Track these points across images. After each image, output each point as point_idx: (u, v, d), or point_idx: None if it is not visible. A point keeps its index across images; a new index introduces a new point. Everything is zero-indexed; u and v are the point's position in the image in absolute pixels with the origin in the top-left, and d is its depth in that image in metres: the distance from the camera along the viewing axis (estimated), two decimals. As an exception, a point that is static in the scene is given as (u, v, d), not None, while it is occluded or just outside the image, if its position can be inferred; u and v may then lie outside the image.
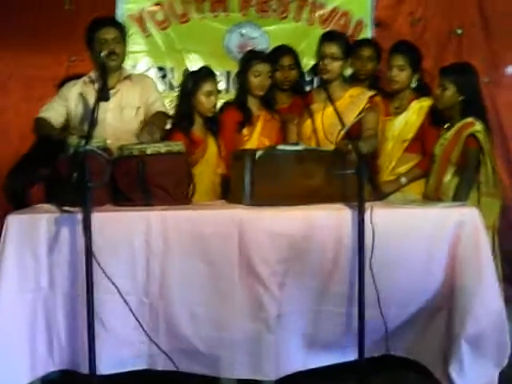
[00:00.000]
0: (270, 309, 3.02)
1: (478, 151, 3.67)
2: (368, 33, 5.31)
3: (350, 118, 3.64)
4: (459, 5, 5.29)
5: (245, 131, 4.09)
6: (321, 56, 3.86)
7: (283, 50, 4.49)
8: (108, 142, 3.36)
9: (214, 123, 3.96)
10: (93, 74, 3.95)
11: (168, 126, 3.90)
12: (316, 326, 3.10)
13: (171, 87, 5.18)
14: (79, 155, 2.79)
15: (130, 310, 2.93)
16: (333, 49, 3.82)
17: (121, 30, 3.96)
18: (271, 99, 4.21)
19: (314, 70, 3.96)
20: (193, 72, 4.09)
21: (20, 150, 4.22)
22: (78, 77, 4.08)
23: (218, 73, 5.01)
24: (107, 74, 3.52)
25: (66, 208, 2.94)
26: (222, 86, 5.18)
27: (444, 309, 3.14)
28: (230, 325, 3.01)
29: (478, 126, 3.67)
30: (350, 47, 4.01)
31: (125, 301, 2.91)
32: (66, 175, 2.86)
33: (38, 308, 2.96)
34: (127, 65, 4.78)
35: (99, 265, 2.80)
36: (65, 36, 4.72)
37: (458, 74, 3.78)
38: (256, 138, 4.08)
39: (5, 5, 4.88)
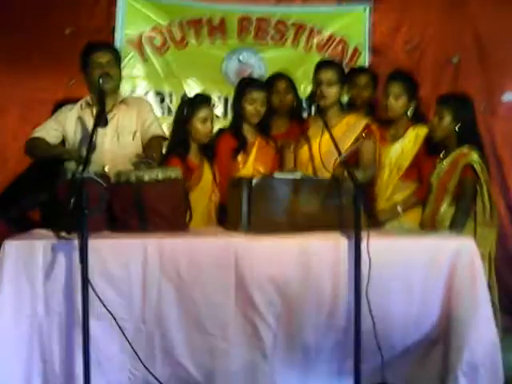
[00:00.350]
0: (266, 338, 3.02)
1: (474, 181, 3.68)
2: (364, 60, 5.35)
3: (347, 146, 3.67)
4: (455, 33, 5.34)
5: (240, 158, 4.10)
6: (317, 83, 3.90)
7: (279, 76, 4.53)
8: (106, 168, 3.36)
9: (209, 150, 3.98)
10: (89, 98, 3.97)
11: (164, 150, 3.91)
12: (312, 355, 3.08)
13: (169, 112, 5.19)
14: (77, 181, 2.79)
15: (126, 337, 2.91)
16: (329, 75, 3.87)
17: (115, 53, 3.99)
18: (267, 126, 4.23)
19: (312, 96, 3.98)
20: (188, 99, 4.12)
21: (17, 173, 4.22)
22: (72, 101, 4.09)
23: (215, 98, 5.12)
24: (104, 98, 3.52)
25: (63, 234, 2.93)
26: (219, 111, 5.22)
27: (441, 340, 3.12)
28: (227, 353, 3.00)
29: (475, 156, 3.70)
30: (346, 74, 4.05)
31: (120, 328, 2.89)
32: (64, 201, 2.85)
33: (33, 335, 2.93)
34: (126, 89, 4.87)
35: (95, 292, 2.79)
36: (64, 59, 4.74)
37: (455, 103, 3.81)
38: (251, 165, 4.10)
39: (4, 27, 4.92)
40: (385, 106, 4.05)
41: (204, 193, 3.88)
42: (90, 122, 3.73)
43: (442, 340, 3.13)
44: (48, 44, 4.97)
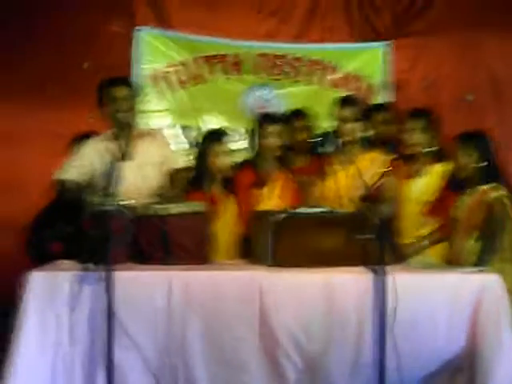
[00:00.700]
0: (289, 375, 2.99)
1: (504, 216, 3.68)
2: (381, 97, 5.39)
3: (370, 182, 3.67)
4: (470, 70, 5.38)
5: (260, 191, 4.11)
6: (340, 119, 3.93)
7: (297, 113, 4.58)
8: (132, 200, 3.37)
9: (230, 183, 4.01)
10: (109, 132, 3.99)
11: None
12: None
13: (191, 145, 5.23)
14: (103, 213, 2.80)
15: (150, 369, 2.90)
16: (351, 111, 3.90)
17: (131, 87, 4.04)
18: (287, 160, 4.25)
19: (335, 132, 4.01)
20: (207, 132, 4.19)
21: (39, 206, 4.24)
22: (91, 135, 4.14)
23: (242, 131, 5.13)
24: (128, 133, 3.54)
25: (89, 266, 2.94)
26: (243, 144, 5.22)
27: (465, 377, 3.09)
28: (250, 388, 2.98)
29: (503, 191, 3.70)
30: (368, 110, 4.07)
31: (144, 360, 2.88)
32: (90, 233, 2.86)
33: (57, 366, 2.93)
34: (144, 123, 4.90)
35: (120, 324, 2.79)
36: (84, 94, 4.78)
37: (479, 141, 3.83)
38: (272, 199, 4.10)
39: (24, 60, 4.97)
40: (406, 142, 4.07)
41: (228, 225, 3.88)
42: (113, 156, 3.75)
43: (466, 376, 3.08)
44: (67, 79, 5.04)
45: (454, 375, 3.13)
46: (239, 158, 4.20)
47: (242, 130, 5.33)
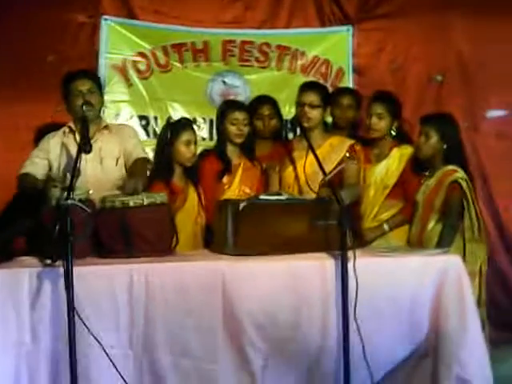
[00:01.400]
0: (255, 362, 2.99)
1: (461, 198, 3.71)
2: (348, 80, 5.38)
3: (331, 167, 3.68)
4: (438, 52, 5.38)
5: (225, 179, 4.11)
6: (301, 105, 3.92)
7: (263, 100, 4.56)
8: (90, 192, 3.35)
9: (193, 172, 3.98)
10: (72, 125, 3.97)
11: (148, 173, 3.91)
12: (304, 379, 3.06)
13: (154, 135, 5.16)
14: (62, 208, 2.78)
15: (113, 364, 2.87)
16: (312, 97, 3.89)
17: (96, 80, 4.01)
18: (251, 147, 4.24)
19: (295, 118, 4.01)
20: (171, 122, 4.16)
21: (2, 200, 4.21)
22: (55, 128, 4.11)
23: (200, 121, 5.13)
24: (88, 125, 3.51)
25: (48, 262, 2.91)
26: (205, 134, 5.25)
27: (430, 358, 3.11)
28: (215, 378, 2.97)
29: (461, 173, 3.73)
30: (329, 95, 4.07)
31: (107, 355, 2.86)
32: (49, 228, 2.84)
33: (21, 366, 2.90)
34: (110, 113, 4.88)
35: (81, 319, 2.77)
36: (49, 86, 4.73)
37: (442, 123, 3.86)
38: (236, 187, 4.11)
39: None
40: (368, 126, 4.08)
41: (190, 215, 3.87)
42: (73, 149, 3.74)
43: (431, 358, 3.11)
44: (32, 71, 4.98)
45: (419, 360, 3.14)
46: (199, 147, 4.14)
47: (205, 119, 5.31)
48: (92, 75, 4.11)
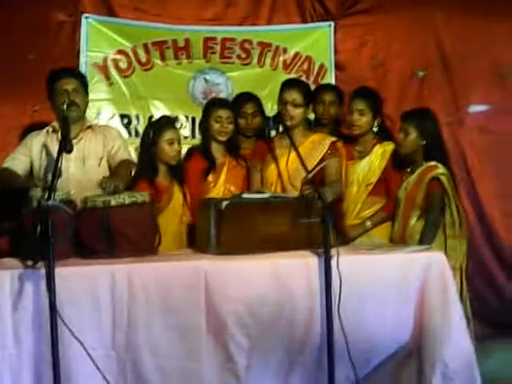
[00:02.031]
0: (239, 360, 2.99)
1: (442, 194, 3.72)
2: (331, 77, 5.38)
3: (313, 164, 3.67)
4: (420, 47, 5.39)
5: (210, 178, 4.10)
6: (282, 102, 3.91)
7: (246, 97, 4.52)
8: (71, 192, 3.33)
9: (178, 171, 3.96)
10: (56, 124, 3.94)
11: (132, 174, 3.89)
12: (286, 376, 3.06)
13: (137, 134, 5.12)
14: (43, 209, 2.76)
15: (96, 365, 2.85)
16: (294, 95, 3.87)
17: (81, 79, 3.97)
18: (236, 145, 4.23)
19: (277, 116, 3.99)
20: (154, 121, 4.14)
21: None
22: (41, 126, 4.06)
23: (183, 119, 5.11)
24: (69, 125, 3.48)
25: (30, 263, 2.89)
26: (186, 132, 5.22)
27: (414, 355, 3.12)
28: (199, 377, 2.96)
29: (441, 169, 3.74)
30: (311, 93, 4.06)
31: (89, 356, 2.84)
32: (30, 229, 2.81)
33: (3, 369, 2.87)
34: (92, 113, 4.84)
35: (63, 321, 2.74)
36: (29, 85, 4.72)
37: (420, 119, 3.85)
38: (222, 185, 4.10)
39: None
40: (349, 122, 4.08)
41: (174, 214, 3.84)
42: (55, 148, 3.69)
43: (415, 354, 3.12)
44: (11, 70, 4.93)
45: (405, 357, 3.15)
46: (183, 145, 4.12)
47: (187, 117, 5.29)
48: (77, 74, 4.08)
